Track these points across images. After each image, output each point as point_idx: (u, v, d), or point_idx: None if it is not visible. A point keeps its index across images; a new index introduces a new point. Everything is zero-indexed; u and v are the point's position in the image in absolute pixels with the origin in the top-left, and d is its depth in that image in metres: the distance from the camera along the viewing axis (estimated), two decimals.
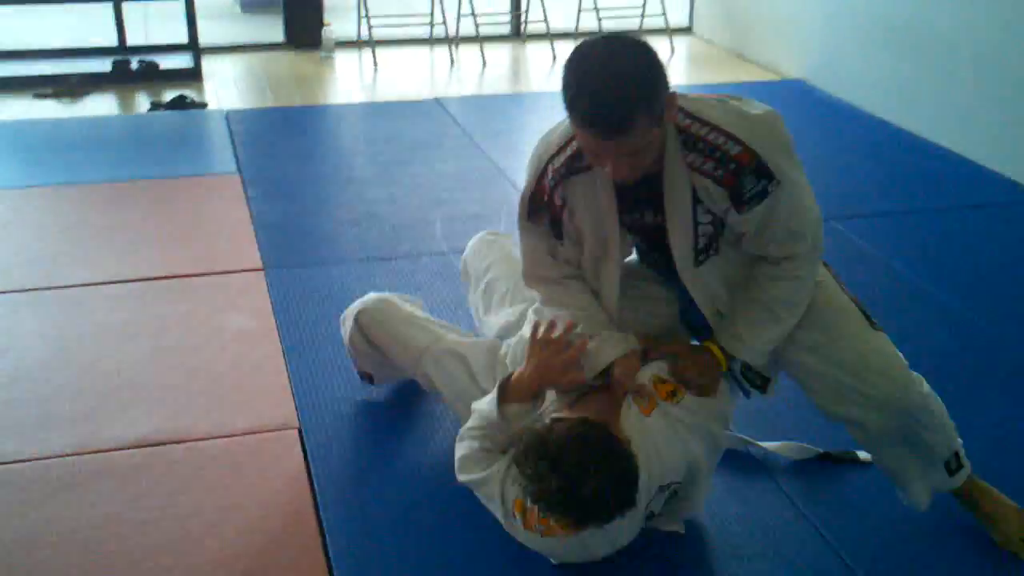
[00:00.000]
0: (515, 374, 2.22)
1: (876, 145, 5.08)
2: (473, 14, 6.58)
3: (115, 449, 2.64)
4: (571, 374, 2.18)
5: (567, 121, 2.00)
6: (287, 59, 6.54)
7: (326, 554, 2.29)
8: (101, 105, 5.57)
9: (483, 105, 5.69)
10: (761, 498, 2.49)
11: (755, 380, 2.27)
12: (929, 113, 5.07)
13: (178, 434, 2.70)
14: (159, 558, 2.27)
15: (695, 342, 2.33)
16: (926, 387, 2.24)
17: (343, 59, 6.57)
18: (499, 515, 2.18)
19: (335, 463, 2.60)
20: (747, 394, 2.32)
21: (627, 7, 7.15)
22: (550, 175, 2.14)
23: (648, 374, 2.18)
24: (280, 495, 2.49)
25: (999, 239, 4.07)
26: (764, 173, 1.98)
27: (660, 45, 6.99)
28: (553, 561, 2.20)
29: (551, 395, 2.27)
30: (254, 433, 2.72)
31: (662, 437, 2.10)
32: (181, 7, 6.03)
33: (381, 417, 2.77)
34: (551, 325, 2.22)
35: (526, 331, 2.34)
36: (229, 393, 2.89)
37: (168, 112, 5.37)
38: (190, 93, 5.65)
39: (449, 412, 2.67)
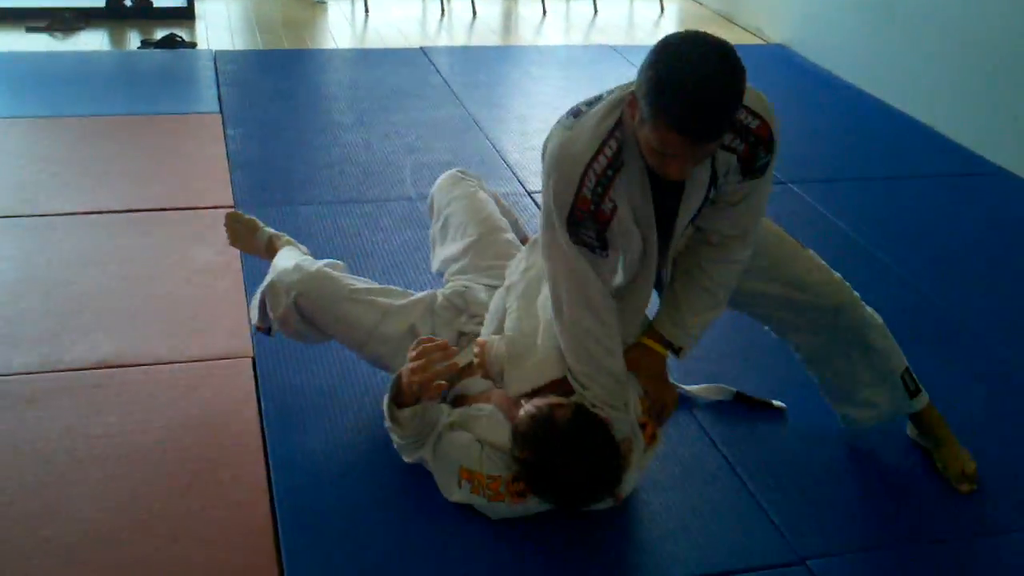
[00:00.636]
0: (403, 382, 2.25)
1: (847, 112, 5.18)
2: None
3: (76, 369, 2.78)
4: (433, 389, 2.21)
5: (588, 120, 2.01)
6: (281, 3, 6.61)
7: (267, 467, 2.44)
8: (93, 41, 5.66)
9: (468, 56, 5.77)
10: (682, 435, 2.66)
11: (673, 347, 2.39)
12: (901, 83, 5.15)
13: (137, 358, 2.84)
14: (108, 468, 2.42)
15: None
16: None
17: (336, 6, 6.64)
18: (439, 479, 2.33)
19: (282, 389, 2.73)
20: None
21: None
22: (593, 182, 2.01)
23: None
24: (228, 416, 2.63)
25: (951, 207, 4.20)
26: (771, 148, 2.07)
27: (651, 5, 7.07)
28: (492, 517, 2.31)
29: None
30: (209, 360, 2.85)
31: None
32: None
33: (333, 347, 2.90)
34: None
35: (497, 304, 2.45)
36: (189, 322, 3.03)
37: (157, 51, 5.46)
38: (181, 33, 5.74)
39: None
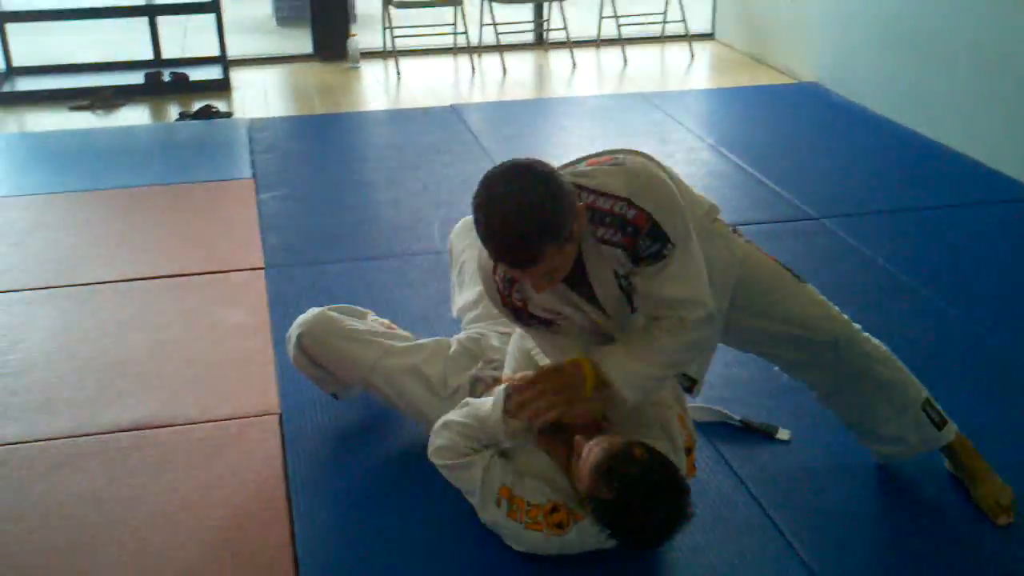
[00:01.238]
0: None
1: (880, 145, 5.14)
2: (494, 23, 6.73)
3: (108, 432, 2.82)
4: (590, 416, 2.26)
5: None
6: (314, 70, 6.75)
7: (291, 528, 2.44)
8: (134, 116, 5.81)
9: (497, 111, 5.84)
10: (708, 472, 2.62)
11: (683, 382, 2.40)
12: (935, 113, 5.11)
13: (167, 419, 2.88)
14: (137, 531, 2.44)
15: None
16: (865, 332, 2.46)
17: (369, 69, 6.76)
18: (473, 497, 2.31)
19: (309, 446, 2.75)
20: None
21: (648, 14, 7.27)
22: (501, 284, 2.22)
23: None
24: (255, 474, 2.65)
25: (991, 235, 4.12)
26: (659, 235, 2.07)
27: (680, 52, 7.10)
28: (515, 547, 2.29)
29: None
30: (237, 419, 2.88)
31: None
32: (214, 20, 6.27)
33: (359, 405, 2.91)
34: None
35: (517, 344, 2.46)
36: (218, 382, 3.06)
37: (193, 122, 5.59)
38: (219, 103, 5.88)
39: None
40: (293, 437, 2.78)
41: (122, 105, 5.96)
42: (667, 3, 7.17)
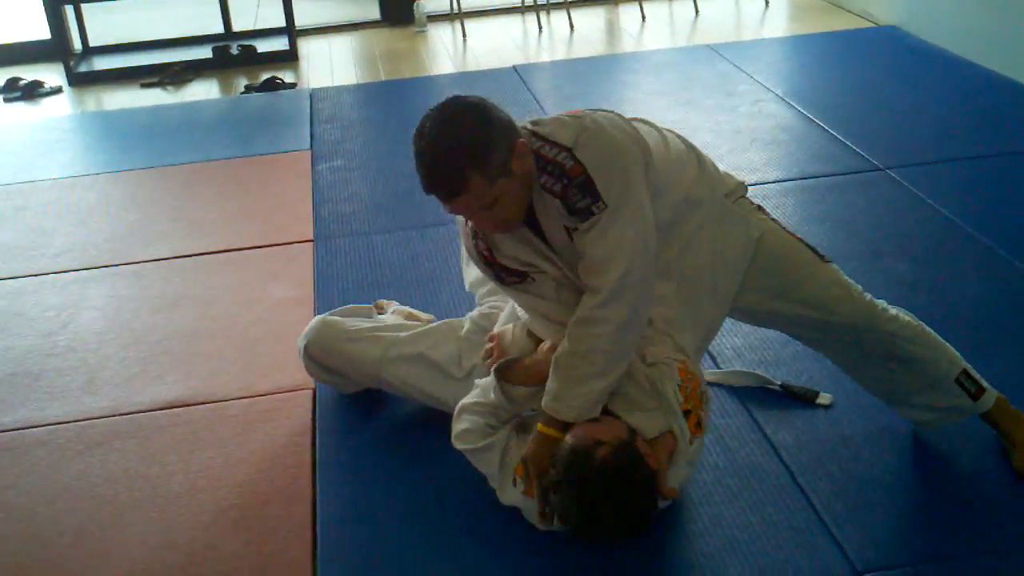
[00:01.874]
0: (528, 360, 2.27)
1: (958, 88, 4.87)
2: None
3: (144, 411, 2.86)
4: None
5: None
6: (381, 36, 6.72)
7: (314, 506, 2.45)
8: (203, 90, 5.87)
9: (559, 71, 5.72)
10: (739, 439, 2.54)
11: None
12: (1019, 54, 4.83)
13: (205, 397, 2.91)
14: (163, 509, 2.48)
15: None
16: (893, 310, 2.33)
17: (435, 33, 6.71)
18: (492, 479, 2.29)
19: (340, 420, 2.75)
20: None
21: None
22: (473, 234, 2.26)
23: None
24: (284, 450, 2.66)
25: None
26: (589, 191, 2.02)
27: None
28: (539, 526, 2.25)
29: None
30: (272, 394, 2.89)
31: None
32: None
33: None
34: None
35: (518, 311, 2.42)
36: (257, 358, 3.08)
37: (257, 94, 5.62)
38: (285, 74, 5.91)
39: None
40: (324, 411, 2.79)
41: (191, 80, 6.03)
42: None
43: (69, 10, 6.30)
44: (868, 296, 2.32)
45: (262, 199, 4.22)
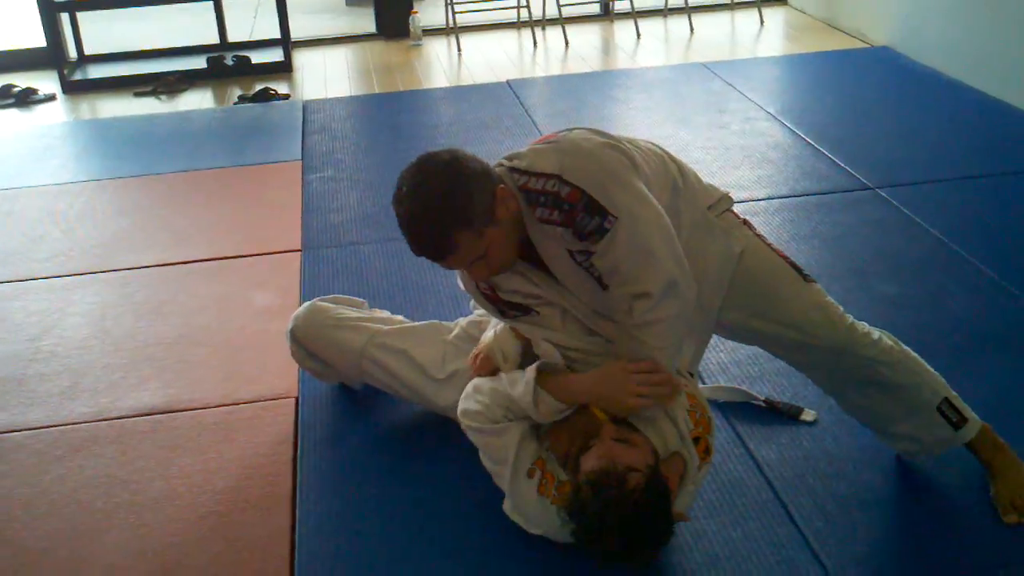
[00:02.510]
0: (570, 377, 2.20)
1: (950, 109, 4.89)
2: None
3: (125, 417, 2.84)
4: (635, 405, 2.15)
5: None
6: (377, 49, 6.73)
7: (293, 515, 2.43)
8: (196, 101, 5.87)
9: (551, 86, 5.74)
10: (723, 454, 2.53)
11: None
12: (1011, 77, 4.84)
13: (184, 403, 2.89)
14: (140, 515, 2.46)
15: None
16: (876, 334, 2.29)
17: (431, 46, 6.72)
18: (501, 466, 2.21)
19: (322, 430, 2.73)
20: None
21: None
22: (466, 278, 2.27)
23: None
24: (264, 459, 2.64)
25: None
26: (596, 209, 2.00)
27: (750, 18, 6.89)
28: (530, 530, 2.22)
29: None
30: (254, 402, 2.88)
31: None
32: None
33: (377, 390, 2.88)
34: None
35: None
36: (241, 366, 3.07)
37: (250, 105, 5.62)
38: (279, 85, 5.91)
39: None
40: (308, 420, 2.77)
41: (185, 90, 6.03)
42: None
43: (65, 19, 6.30)
44: (850, 319, 2.29)
45: (251, 208, 4.21)
